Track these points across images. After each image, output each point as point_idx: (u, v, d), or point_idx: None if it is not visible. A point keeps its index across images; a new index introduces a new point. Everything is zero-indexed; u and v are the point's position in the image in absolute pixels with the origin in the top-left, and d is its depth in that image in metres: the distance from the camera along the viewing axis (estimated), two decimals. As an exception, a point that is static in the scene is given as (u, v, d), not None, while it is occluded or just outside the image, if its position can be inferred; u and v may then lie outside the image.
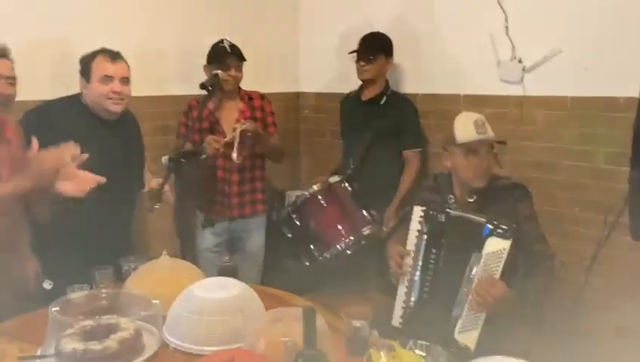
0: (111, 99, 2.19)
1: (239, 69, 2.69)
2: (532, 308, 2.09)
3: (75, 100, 2.26)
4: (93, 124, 2.24)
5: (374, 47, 2.85)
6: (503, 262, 1.82)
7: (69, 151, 1.77)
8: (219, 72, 2.51)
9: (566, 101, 2.61)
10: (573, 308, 2.48)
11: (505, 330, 1.95)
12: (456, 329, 1.89)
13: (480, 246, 1.86)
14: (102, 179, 1.83)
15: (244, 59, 2.70)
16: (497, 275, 1.83)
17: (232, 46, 2.69)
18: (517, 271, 1.89)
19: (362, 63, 2.86)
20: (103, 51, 2.23)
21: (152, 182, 2.25)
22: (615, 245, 2.39)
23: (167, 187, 2.14)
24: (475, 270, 1.87)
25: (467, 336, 1.87)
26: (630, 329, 2.49)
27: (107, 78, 2.18)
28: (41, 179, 1.78)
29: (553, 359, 2.06)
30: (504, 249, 1.82)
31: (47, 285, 2.02)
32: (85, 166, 1.80)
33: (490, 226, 1.86)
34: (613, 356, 2.46)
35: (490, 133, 2.07)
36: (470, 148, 2.04)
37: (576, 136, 2.60)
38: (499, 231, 1.84)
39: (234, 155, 2.44)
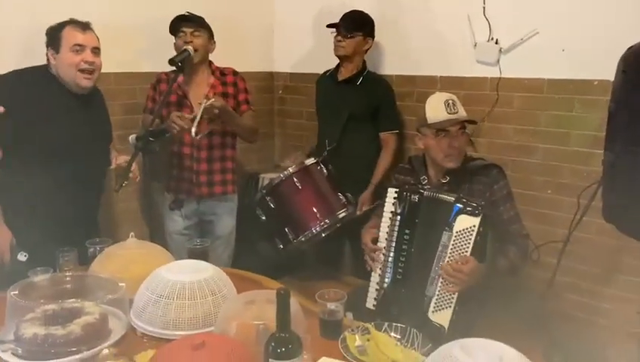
0: (82, 71, 2.15)
1: (197, 34, 2.55)
2: (503, 280, 2.09)
3: (43, 71, 2.19)
4: (62, 96, 2.19)
5: (353, 24, 2.81)
6: (473, 238, 1.84)
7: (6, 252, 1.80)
8: (189, 47, 2.43)
9: (542, 83, 2.61)
10: (545, 290, 2.50)
11: (478, 312, 1.95)
12: (430, 308, 1.89)
13: (450, 224, 1.87)
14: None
15: (203, 26, 2.57)
16: (468, 252, 1.84)
17: (189, 14, 2.58)
18: (486, 246, 1.89)
19: (339, 38, 2.82)
20: (73, 21, 2.18)
21: (119, 159, 2.20)
22: (588, 228, 2.41)
23: (134, 166, 2.09)
24: (446, 248, 1.88)
25: (441, 315, 1.88)
26: (602, 311, 2.53)
27: (78, 48, 2.14)
28: None
29: (526, 340, 2.07)
30: (474, 226, 1.84)
31: (22, 257, 2.02)
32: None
33: (459, 205, 1.87)
34: (585, 336, 2.49)
35: (461, 113, 2.06)
36: (441, 128, 2.02)
37: (551, 118, 2.60)
38: (468, 208, 1.85)
39: (193, 130, 2.33)
